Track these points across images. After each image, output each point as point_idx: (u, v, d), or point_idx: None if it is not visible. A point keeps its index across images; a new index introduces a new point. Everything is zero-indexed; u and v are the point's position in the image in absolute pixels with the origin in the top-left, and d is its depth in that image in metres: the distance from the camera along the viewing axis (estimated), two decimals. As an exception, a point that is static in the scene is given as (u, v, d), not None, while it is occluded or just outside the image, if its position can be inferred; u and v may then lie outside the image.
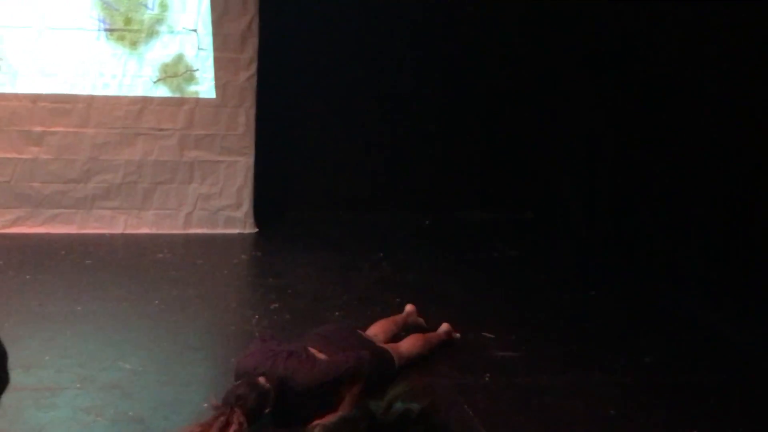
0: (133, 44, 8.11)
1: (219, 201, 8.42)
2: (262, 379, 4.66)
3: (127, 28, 8.07)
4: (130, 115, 8.20)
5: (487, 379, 5.62)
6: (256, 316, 6.42)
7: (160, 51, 8.15)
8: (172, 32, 8.15)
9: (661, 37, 7.62)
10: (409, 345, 5.69)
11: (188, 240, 8.18)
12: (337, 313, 6.55)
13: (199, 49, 8.21)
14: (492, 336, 6.26)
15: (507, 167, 9.40)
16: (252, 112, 8.37)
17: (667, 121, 7.56)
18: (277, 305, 6.64)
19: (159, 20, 8.12)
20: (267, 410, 4.64)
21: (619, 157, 8.15)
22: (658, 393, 5.59)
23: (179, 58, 8.20)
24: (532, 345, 6.17)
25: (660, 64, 7.61)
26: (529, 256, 8.29)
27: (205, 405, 4.76)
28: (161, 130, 8.27)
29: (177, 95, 8.27)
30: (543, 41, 8.99)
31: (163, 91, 8.24)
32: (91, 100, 8.11)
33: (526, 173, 9.35)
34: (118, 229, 8.24)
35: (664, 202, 7.62)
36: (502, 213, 9.28)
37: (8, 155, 8.02)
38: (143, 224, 8.30)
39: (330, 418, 4.38)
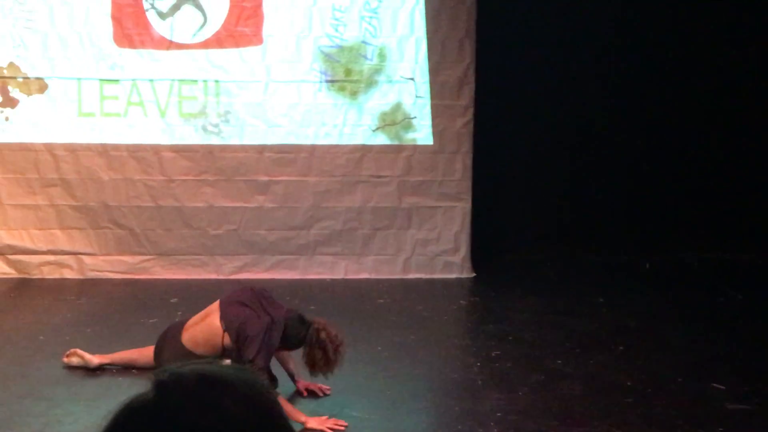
0: (353, 94, 8.33)
1: (437, 246, 8.50)
2: None
3: (348, 78, 8.31)
4: (351, 163, 8.41)
5: (720, 433, 5.42)
6: (478, 364, 6.42)
7: (378, 100, 8.35)
8: (390, 81, 8.33)
9: None
10: None
11: (407, 285, 8.28)
12: (559, 361, 6.47)
13: (416, 97, 8.35)
14: (723, 387, 6.03)
15: (726, 206, 9.09)
16: (469, 157, 8.43)
17: None
18: (498, 352, 6.63)
19: (378, 70, 8.32)
20: None
21: None
22: None
23: (397, 107, 8.37)
24: (767, 397, 5.90)
25: None
26: (758, 299, 7.95)
27: None
28: (380, 177, 8.44)
29: (395, 143, 8.43)
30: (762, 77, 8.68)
31: (381, 139, 8.42)
32: (313, 149, 8.38)
33: (745, 211, 9.01)
34: (339, 275, 8.44)
35: None
36: (723, 254, 8.96)
37: (236, 204, 8.38)
38: (363, 269, 8.47)
39: None
